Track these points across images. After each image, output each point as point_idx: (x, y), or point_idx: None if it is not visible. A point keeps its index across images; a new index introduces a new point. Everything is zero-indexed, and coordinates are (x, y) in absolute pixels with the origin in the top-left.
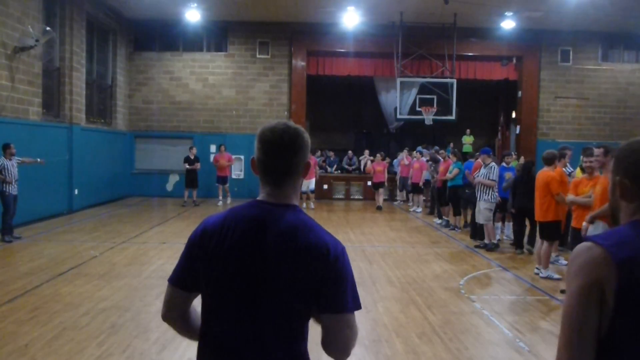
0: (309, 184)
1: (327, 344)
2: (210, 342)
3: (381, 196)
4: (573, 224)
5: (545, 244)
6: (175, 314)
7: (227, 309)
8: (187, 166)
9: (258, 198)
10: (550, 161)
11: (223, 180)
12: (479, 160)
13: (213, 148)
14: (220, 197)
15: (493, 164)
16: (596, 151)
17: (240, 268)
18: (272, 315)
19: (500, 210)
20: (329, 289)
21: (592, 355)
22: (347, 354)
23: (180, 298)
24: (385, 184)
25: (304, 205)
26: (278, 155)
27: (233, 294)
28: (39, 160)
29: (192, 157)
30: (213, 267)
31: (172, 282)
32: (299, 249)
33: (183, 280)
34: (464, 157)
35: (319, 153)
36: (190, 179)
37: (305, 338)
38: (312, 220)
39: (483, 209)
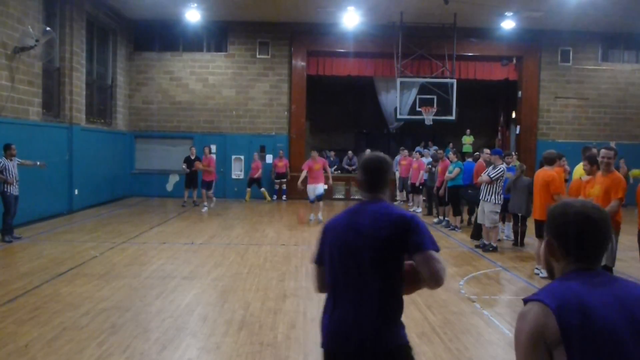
0: (316, 189)
1: (425, 280)
2: (330, 292)
3: None
4: None
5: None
6: (323, 286)
7: (338, 264)
8: (185, 167)
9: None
10: (551, 161)
11: (207, 185)
12: (481, 160)
13: (213, 148)
14: (205, 203)
15: (502, 165)
16: (609, 153)
17: (345, 240)
18: (370, 261)
19: (500, 211)
20: (412, 238)
21: None
22: (440, 282)
23: (321, 273)
24: None
25: (312, 217)
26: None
27: (339, 252)
28: (39, 163)
29: (193, 157)
30: (331, 242)
31: (314, 262)
32: (389, 218)
33: (319, 258)
34: (462, 157)
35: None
36: (189, 179)
37: (397, 277)
38: (393, 205)
39: (489, 211)
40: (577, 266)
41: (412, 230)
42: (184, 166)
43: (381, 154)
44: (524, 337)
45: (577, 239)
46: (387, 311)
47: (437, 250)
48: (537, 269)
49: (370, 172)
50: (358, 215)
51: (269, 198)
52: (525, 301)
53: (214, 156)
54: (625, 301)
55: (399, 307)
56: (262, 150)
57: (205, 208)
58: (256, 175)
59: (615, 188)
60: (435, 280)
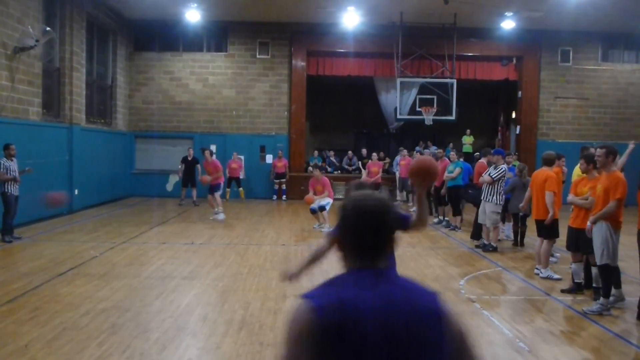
0: (320, 200)
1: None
2: None
3: None
4: (569, 223)
5: (544, 243)
6: None
7: None
8: (181, 168)
9: None
10: (550, 162)
11: (216, 188)
12: (482, 160)
13: (213, 148)
14: (218, 209)
15: (503, 166)
16: (598, 151)
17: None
18: None
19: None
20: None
21: None
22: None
23: None
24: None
25: (315, 225)
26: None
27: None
28: (27, 169)
29: (190, 159)
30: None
31: None
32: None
33: None
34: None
35: (316, 153)
36: (186, 178)
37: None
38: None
39: (490, 212)
40: (359, 264)
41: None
42: (180, 167)
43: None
44: (288, 335)
45: (354, 233)
46: None
47: None
48: (537, 268)
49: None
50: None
51: (243, 198)
52: (302, 297)
53: (216, 160)
54: (391, 307)
55: None
56: (262, 150)
57: (222, 215)
58: (236, 175)
59: (614, 188)
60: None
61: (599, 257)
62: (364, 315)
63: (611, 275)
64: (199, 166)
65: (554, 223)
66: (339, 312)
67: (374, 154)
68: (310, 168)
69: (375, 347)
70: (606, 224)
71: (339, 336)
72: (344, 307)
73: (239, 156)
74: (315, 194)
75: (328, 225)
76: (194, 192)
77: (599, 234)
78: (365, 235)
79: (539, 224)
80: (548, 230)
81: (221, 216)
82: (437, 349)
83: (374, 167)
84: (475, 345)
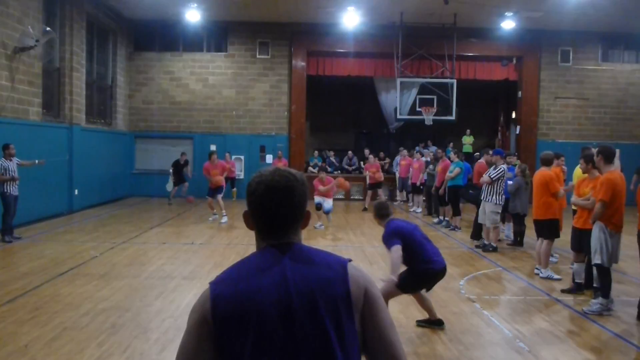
0: (324, 201)
1: None
2: None
3: (368, 197)
4: (573, 223)
5: (544, 243)
6: None
7: None
8: (171, 171)
9: None
10: (548, 162)
11: (219, 190)
12: (482, 160)
13: (213, 148)
14: (222, 213)
15: (503, 166)
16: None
17: None
18: None
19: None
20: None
21: None
22: None
23: None
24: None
25: (317, 225)
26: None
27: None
28: (37, 161)
29: (182, 163)
30: None
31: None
32: None
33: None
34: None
35: (316, 153)
36: (178, 178)
37: None
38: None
39: (489, 211)
40: (267, 241)
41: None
42: (171, 170)
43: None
44: (188, 323)
45: (261, 210)
46: None
47: None
48: (537, 268)
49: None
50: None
51: (234, 198)
52: (209, 283)
53: (222, 161)
54: (291, 287)
55: None
56: (262, 151)
57: (225, 218)
58: (232, 176)
59: (598, 189)
60: None
61: (592, 256)
62: (259, 305)
63: (605, 276)
64: (188, 168)
65: (554, 223)
66: (233, 304)
67: (371, 156)
68: (310, 168)
69: (273, 332)
70: (600, 224)
71: (234, 326)
72: (240, 298)
73: (236, 156)
74: (316, 191)
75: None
76: (185, 188)
77: (593, 233)
78: (273, 211)
79: (539, 224)
80: (548, 231)
81: (224, 219)
82: (342, 320)
83: (372, 168)
84: (386, 310)
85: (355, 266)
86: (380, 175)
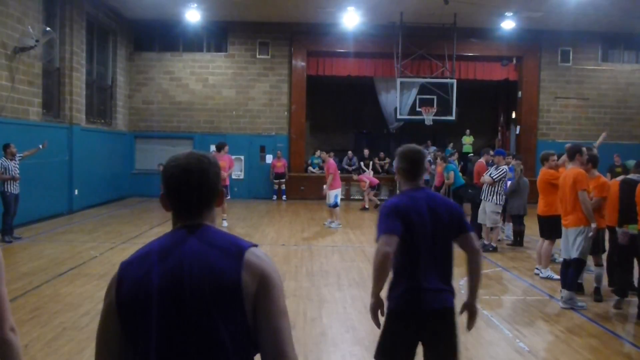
0: (329, 196)
1: (471, 252)
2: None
3: (367, 197)
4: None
5: (546, 243)
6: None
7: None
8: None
9: None
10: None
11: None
12: (482, 160)
13: (213, 148)
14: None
15: (504, 167)
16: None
17: (430, 222)
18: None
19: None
20: (465, 222)
21: None
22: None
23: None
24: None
25: (327, 222)
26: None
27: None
28: (40, 146)
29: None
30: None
31: (390, 233)
32: (451, 208)
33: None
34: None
35: (317, 153)
36: None
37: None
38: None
39: (490, 211)
40: (180, 222)
41: (464, 217)
42: (159, 167)
43: (418, 146)
44: (103, 299)
45: (175, 191)
46: (450, 277)
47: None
48: (537, 269)
49: (414, 162)
50: (429, 201)
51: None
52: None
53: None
54: (186, 274)
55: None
56: (262, 150)
57: (225, 222)
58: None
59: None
60: (477, 255)
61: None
62: (156, 292)
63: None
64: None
65: (556, 223)
66: (133, 290)
67: (366, 171)
68: (310, 168)
69: (166, 320)
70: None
71: (132, 312)
72: (139, 284)
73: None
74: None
75: (337, 221)
76: None
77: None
78: (187, 191)
79: (542, 220)
80: (550, 228)
81: (225, 223)
82: (230, 310)
83: (363, 179)
84: (280, 299)
85: (258, 252)
86: (374, 181)
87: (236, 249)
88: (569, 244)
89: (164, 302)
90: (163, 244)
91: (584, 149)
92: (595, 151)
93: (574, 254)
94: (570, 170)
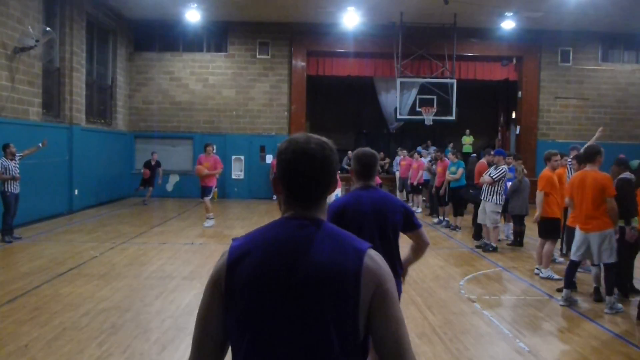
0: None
1: (417, 248)
2: None
3: None
4: (568, 222)
5: (547, 243)
6: None
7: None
8: (143, 170)
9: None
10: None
11: (208, 191)
12: (483, 160)
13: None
14: (209, 215)
15: (504, 166)
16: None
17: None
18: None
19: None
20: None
21: (214, 351)
22: (427, 247)
23: None
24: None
25: None
26: None
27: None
28: (40, 145)
29: (153, 163)
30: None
31: None
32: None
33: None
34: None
35: None
36: (145, 179)
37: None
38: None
39: (490, 211)
40: (292, 211)
41: (412, 215)
42: (143, 170)
43: (371, 150)
44: (208, 279)
45: (293, 177)
46: (399, 272)
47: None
48: (537, 268)
49: (365, 165)
50: (375, 200)
51: (215, 198)
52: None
53: (217, 156)
54: (301, 270)
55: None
56: (262, 151)
57: (212, 221)
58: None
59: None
60: (426, 246)
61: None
62: (267, 284)
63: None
64: (160, 169)
65: (555, 223)
66: (244, 275)
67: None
68: None
69: (275, 312)
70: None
71: (241, 296)
72: (251, 270)
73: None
74: None
75: None
76: (149, 193)
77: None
78: (303, 180)
79: (543, 222)
80: (548, 230)
81: (209, 222)
82: (346, 307)
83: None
84: (396, 305)
85: (374, 256)
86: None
87: (355, 249)
88: (593, 248)
89: (277, 295)
90: (278, 235)
91: (603, 150)
92: (577, 152)
93: (606, 259)
94: (593, 173)
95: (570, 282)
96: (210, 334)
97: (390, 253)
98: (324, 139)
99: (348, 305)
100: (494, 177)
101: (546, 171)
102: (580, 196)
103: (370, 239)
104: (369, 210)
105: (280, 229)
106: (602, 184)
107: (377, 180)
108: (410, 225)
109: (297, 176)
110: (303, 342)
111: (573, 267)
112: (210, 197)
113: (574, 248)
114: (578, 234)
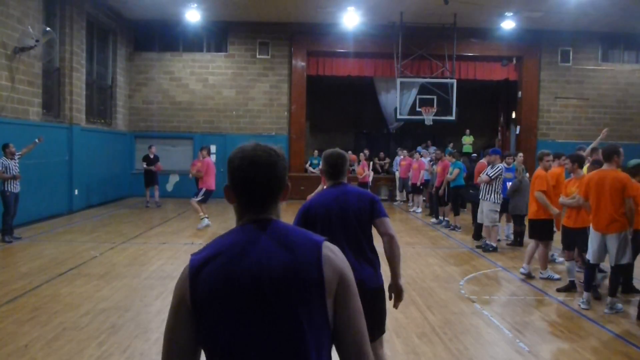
0: None
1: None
2: None
3: None
4: (563, 222)
5: (541, 245)
6: None
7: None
8: (145, 166)
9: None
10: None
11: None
12: (483, 160)
13: (213, 149)
14: (202, 215)
15: (500, 165)
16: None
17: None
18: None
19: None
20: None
21: None
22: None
23: None
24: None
25: None
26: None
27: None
28: (36, 140)
29: (152, 157)
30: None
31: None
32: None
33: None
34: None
35: (316, 153)
36: (148, 178)
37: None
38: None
39: (487, 210)
40: (247, 217)
41: (377, 203)
42: (143, 164)
43: (339, 150)
44: (172, 298)
45: (242, 184)
46: (365, 257)
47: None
48: (523, 268)
49: (333, 165)
50: (339, 194)
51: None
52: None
53: (210, 160)
54: (263, 264)
55: (376, 257)
56: None
57: (206, 220)
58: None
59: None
60: (393, 240)
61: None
62: (233, 288)
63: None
64: (159, 164)
65: (548, 224)
66: (209, 285)
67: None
68: (310, 168)
69: (246, 316)
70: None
71: (209, 307)
72: (215, 280)
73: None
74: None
75: None
76: (157, 193)
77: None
78: (255, 185)
79: (531, 223)
80: (539, 231)
81: (204, 222)
82: (314, 305)
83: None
84: (357, 296)
85: (331, 247)
86: (366, 178)
87: (311, 243)
88: (611, 250)
89: (245, 299)
90: (235, 240)
91: (621, 149)
92: (584, 152)
93: (623, 260)
94: (613, 172)
95: (589, 286)
96: (180, 348)
97: (359, 242)
98: (272, 146)
99: (315, 298)
100: (490, 175)
101: (539, 171)
102: (598, 197)
103: (336, 230)
104: (333, 203)
105: (236, 235)
106: (624, 184)
107: (366, 179)
108: (375, 212)
109: (247, 182)
110: (278, 344)
111: (592, 269)
112: (198, 199)
113: (591, 250)
114: (594, 236)
